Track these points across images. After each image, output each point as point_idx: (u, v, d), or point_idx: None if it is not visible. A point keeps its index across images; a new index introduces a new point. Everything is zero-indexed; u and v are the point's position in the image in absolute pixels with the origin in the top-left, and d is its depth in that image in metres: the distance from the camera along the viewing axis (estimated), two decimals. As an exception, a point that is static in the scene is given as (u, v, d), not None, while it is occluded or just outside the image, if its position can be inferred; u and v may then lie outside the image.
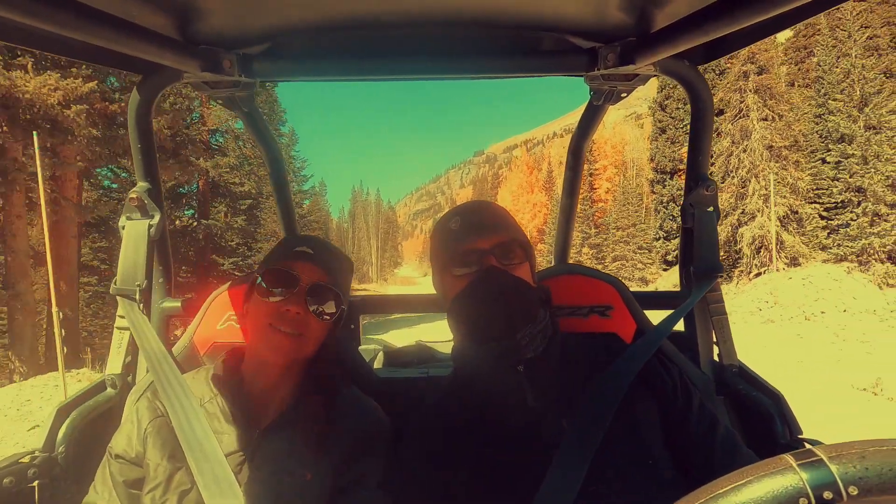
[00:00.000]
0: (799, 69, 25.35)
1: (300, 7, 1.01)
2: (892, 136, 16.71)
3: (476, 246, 0.93)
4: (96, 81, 9.52)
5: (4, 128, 8.97)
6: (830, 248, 17.61)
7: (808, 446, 0.38)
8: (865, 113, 17.51)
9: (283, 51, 1.19)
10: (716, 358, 1.32)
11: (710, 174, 1.34)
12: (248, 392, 0.97)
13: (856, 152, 17.35)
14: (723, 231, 19.04)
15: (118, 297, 1.24)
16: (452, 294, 0.95)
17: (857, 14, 20.23)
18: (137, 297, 1.24)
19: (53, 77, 8.90)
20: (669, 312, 1.19)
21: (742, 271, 19.39)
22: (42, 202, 5.77)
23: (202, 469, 0.87)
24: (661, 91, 26.11)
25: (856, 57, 18.52)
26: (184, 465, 0.90)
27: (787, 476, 0.35)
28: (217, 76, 1.16)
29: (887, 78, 18.53)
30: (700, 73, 1.27)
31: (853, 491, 0.33)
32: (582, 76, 1.23)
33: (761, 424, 1.14)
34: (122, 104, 10.04)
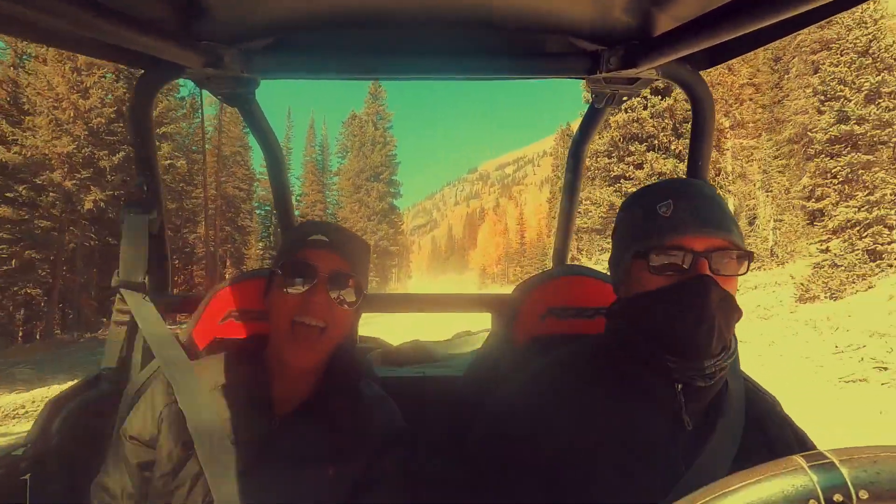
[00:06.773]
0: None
1: (302, 3, 1.01)
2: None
3: (687, 243, 0.76)
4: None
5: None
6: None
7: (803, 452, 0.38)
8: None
9: (285, 47, 1.18)
10: None
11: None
12: (268, 381, 0.95)
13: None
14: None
15: (121, 290, 1.21)
16: (639, 287, 0.81)
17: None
18: (141, 288, 1.22)
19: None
20: None
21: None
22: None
23: (209, 456, 0.86)
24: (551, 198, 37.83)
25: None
26: (196, 453, 0.88)
27: (798, 476, 0.35)
28: (218, 72, 1.16)
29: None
30: (702, 79, 1.26)
31: (864, 495, 0.33)
32: (584, 79, 1.23)
33: None
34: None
